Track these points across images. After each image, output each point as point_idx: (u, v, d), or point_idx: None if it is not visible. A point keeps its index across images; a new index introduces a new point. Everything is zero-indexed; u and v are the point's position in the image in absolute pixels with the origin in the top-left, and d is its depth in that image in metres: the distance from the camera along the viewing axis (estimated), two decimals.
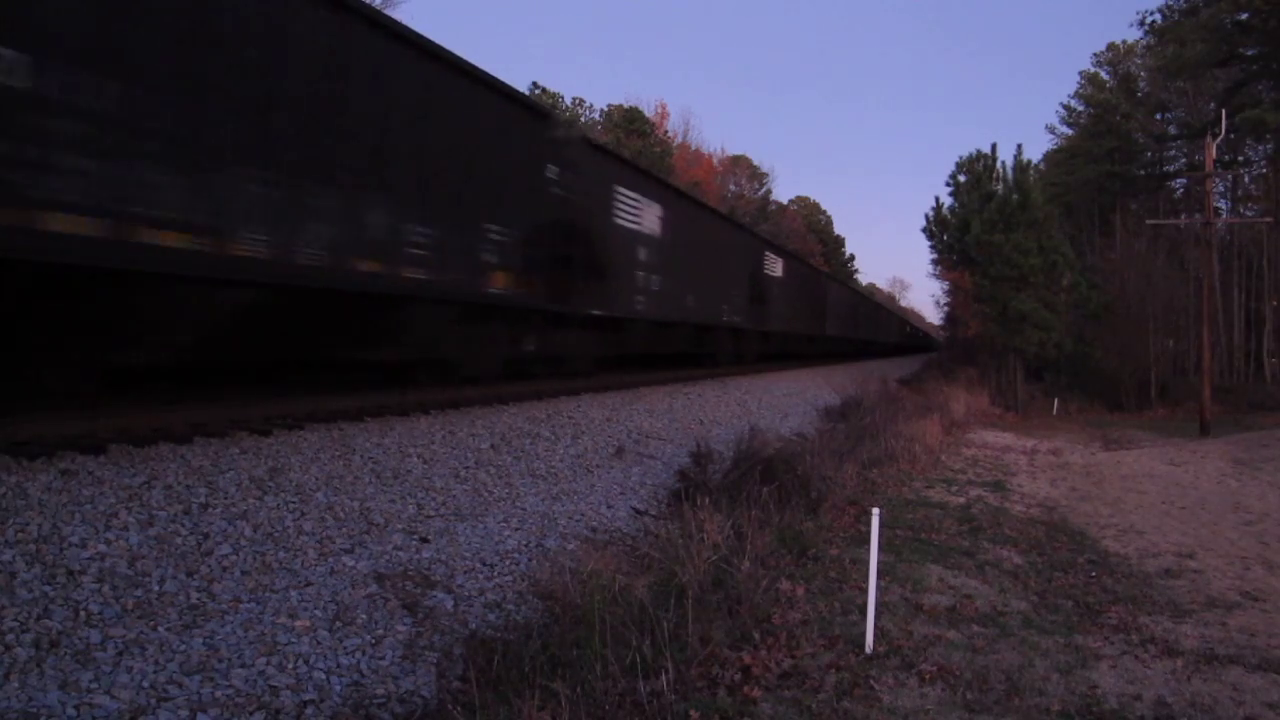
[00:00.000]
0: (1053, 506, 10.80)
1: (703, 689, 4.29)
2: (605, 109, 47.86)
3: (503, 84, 9.99)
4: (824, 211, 77.80)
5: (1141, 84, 45.19)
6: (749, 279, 22.47)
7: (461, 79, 9.49)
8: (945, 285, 52.04)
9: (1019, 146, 34.69)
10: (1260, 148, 37.82)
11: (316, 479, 6.34)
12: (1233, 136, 33.50)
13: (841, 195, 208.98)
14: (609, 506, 8.25)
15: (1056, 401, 28.80)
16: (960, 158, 30.84)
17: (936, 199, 31.08)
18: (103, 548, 4.55)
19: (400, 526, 6.16)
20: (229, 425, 6.89)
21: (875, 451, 12.64)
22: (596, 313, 13.29)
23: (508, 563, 6.16)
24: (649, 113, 48.76)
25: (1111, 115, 43.17)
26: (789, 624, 5.26)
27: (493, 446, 8.62)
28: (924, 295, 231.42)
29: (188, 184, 6.15)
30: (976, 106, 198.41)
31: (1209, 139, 23.30)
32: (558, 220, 11.73)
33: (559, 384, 12.73)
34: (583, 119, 45.36)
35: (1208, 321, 24.10)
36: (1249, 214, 38.63)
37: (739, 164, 61.68)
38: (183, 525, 5.05)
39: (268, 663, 4.17)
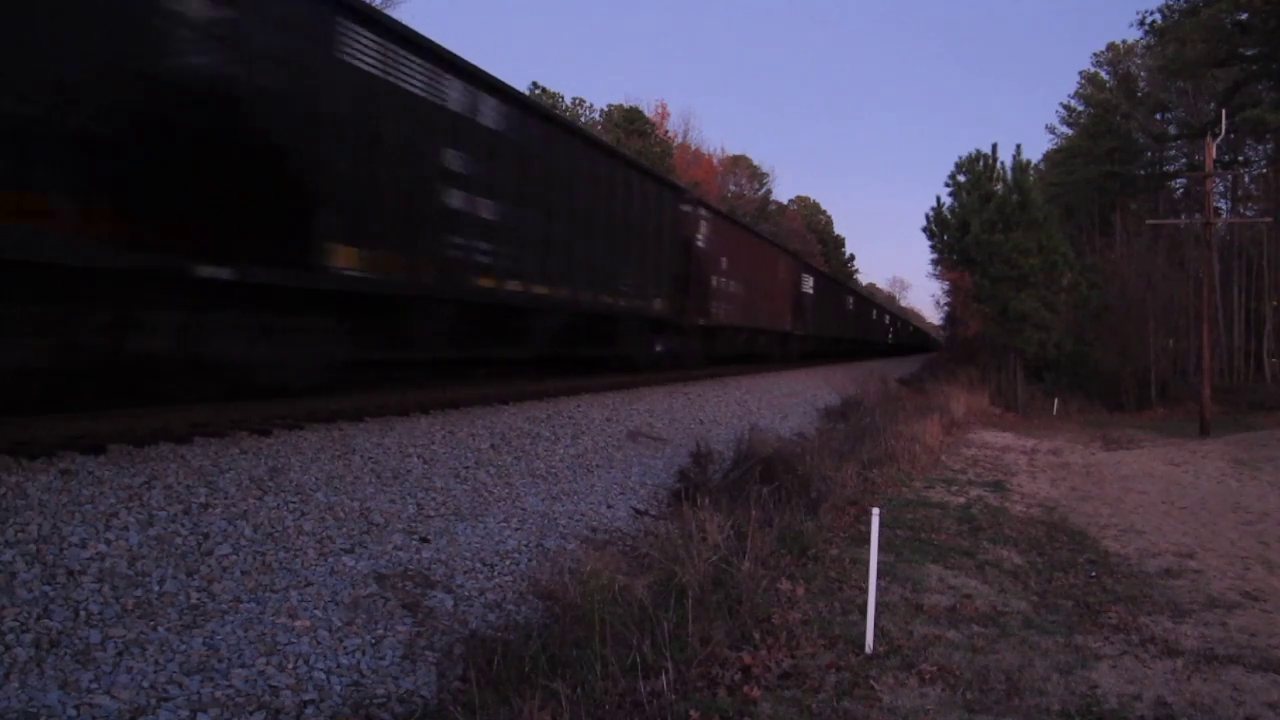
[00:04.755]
0: (1053, 506, 10.80)
1: (703, 689, 4.29)
2: (605, 109, 47.93)
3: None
4: (824, 211, 77.87)
5: (1141, 84, 45.17)
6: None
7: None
8: (945, 285, 51.97)
9: (1018, 146, 34.62)
10: (1260, 148, 37.81)
11: (316, 479, 6.34)
12: (1233, 136, 33.47)
13: (841, 195, 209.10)
14: (609, 506, 8.25)
15: (1056, 401, 28.79)
16: (960, 157, 30.88)
17: (936, 199, 31.10)
18: (103, 548, 4.55)
19: (400, 526, 6.16)
20: (229, 425, 6.89)
21: (875, 451, 12.64)
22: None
23: (508, 563, 6.16)
24: (649, 113, 48.89)
25: (1111, 115, 43.15)
26: (789, 624, 5.26)
27: (493, 446, 8.62)
28: (924, 295, 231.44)
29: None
30: (976, 106, 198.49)
31: (1209, 139, 23.27)
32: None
33: (559, 384, 12.75)
34: (583, 119, 45.38)
35: (1208, 321, 24.09)
36: (1249, 214, 38.62)
37: (739, 164, 61.71)
38: (183, 525, 5.05)
39: (268, 663, 4.17)
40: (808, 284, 31.53)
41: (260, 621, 4.46)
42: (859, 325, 46.49)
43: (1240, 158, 38.69)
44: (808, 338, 31.77)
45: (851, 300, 44.89)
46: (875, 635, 5.00)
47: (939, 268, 45.54)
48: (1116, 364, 31.04)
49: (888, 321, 64.75)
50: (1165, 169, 43.29)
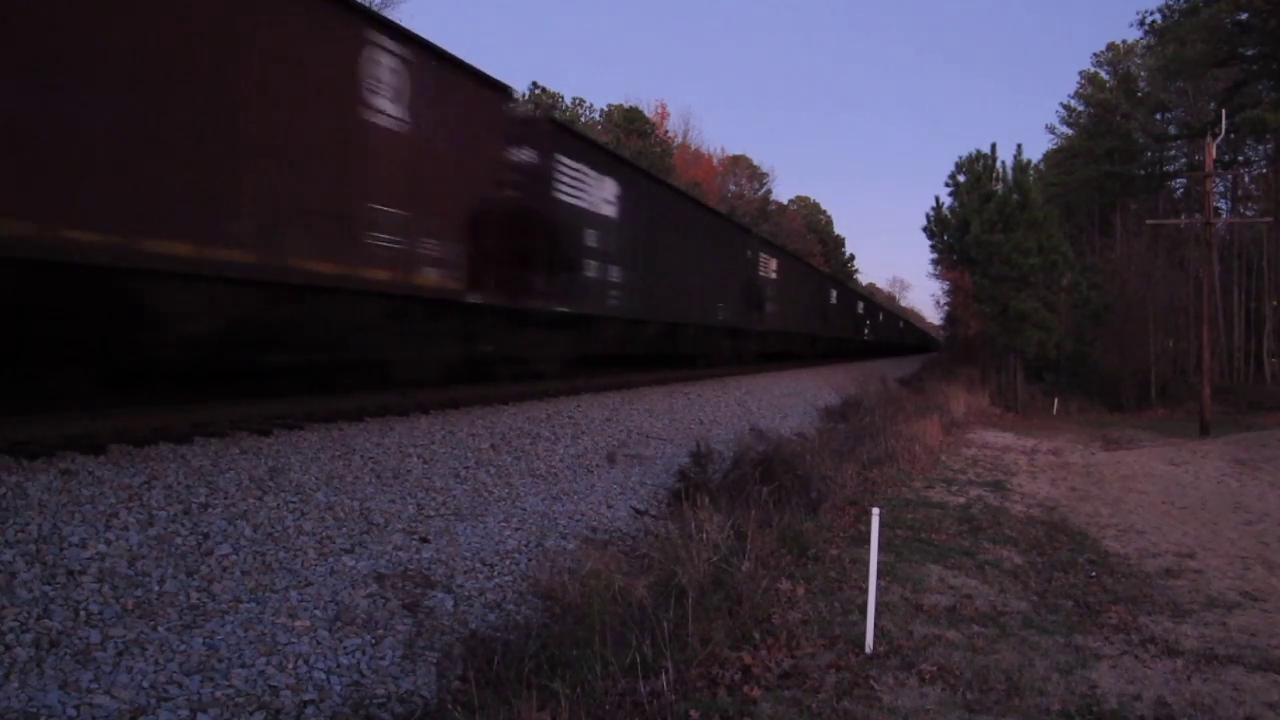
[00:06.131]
0: (1053, 506, 10.80)
1: (703, 689, 4.29)
2: (605, 109, 47.90)
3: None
4: (824, 211, 77.82)
5: (1141, 84, 45.18)
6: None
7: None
8: (945, 285, 51.87)
9: (1019, 146, 34.74)
10: (1260, 148, 37.81)
11: (316, 479, 6.34)
12: (1233, 136, 33.45)
13: (841, 195, 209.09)
14: (609, 506, 8.25)
15: (1056, 401, 28.81)
16: (960, 157, 30.88)
17: (936, 199, 31.12)
18: (103, 548, 4.55)
19: (400, 526, 6.16)
20: (229, 425, 6.89)
21: (875, 451, 12.64)
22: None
23: (508, 563, 6.16)
24: (649, 113, 48.85)
25: (1111, 115, 43.16)
26: (789, 624, 5.26)
27: (493, 446, 8.62)
28: (924, 295, 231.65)
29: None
30: (977, 106, 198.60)
31: (1209, 139, 23.28)
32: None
33: (559, 384, 12.74)
34: (583, 119, 45.37)
35: (1208, 321, 24.09)
36: (1249, 214, 38.63)
37: (739, 164, 61.71)
38: (183, 525, 5.05)
39: (268, 663, 4.17)
40: (610, 201, 13.52)
41: (260, 621, 4.46)
42: (803, 313, 29.96)
43: (1240, 158, 38.71)
44: (616, 327, 14.53)
45: (774, 266, 25.55)
46: (875, 635, 5.00)
47: (939, 268, 45.44)
48: (1116, 364, 31.07)
49: (862, 311, 46.47)
50: (1165, 169, 43.30)
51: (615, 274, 13.84)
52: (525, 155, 11.08)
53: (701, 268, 18.87)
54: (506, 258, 10.51)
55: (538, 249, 11.46)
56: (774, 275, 25.53)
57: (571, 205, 12.32)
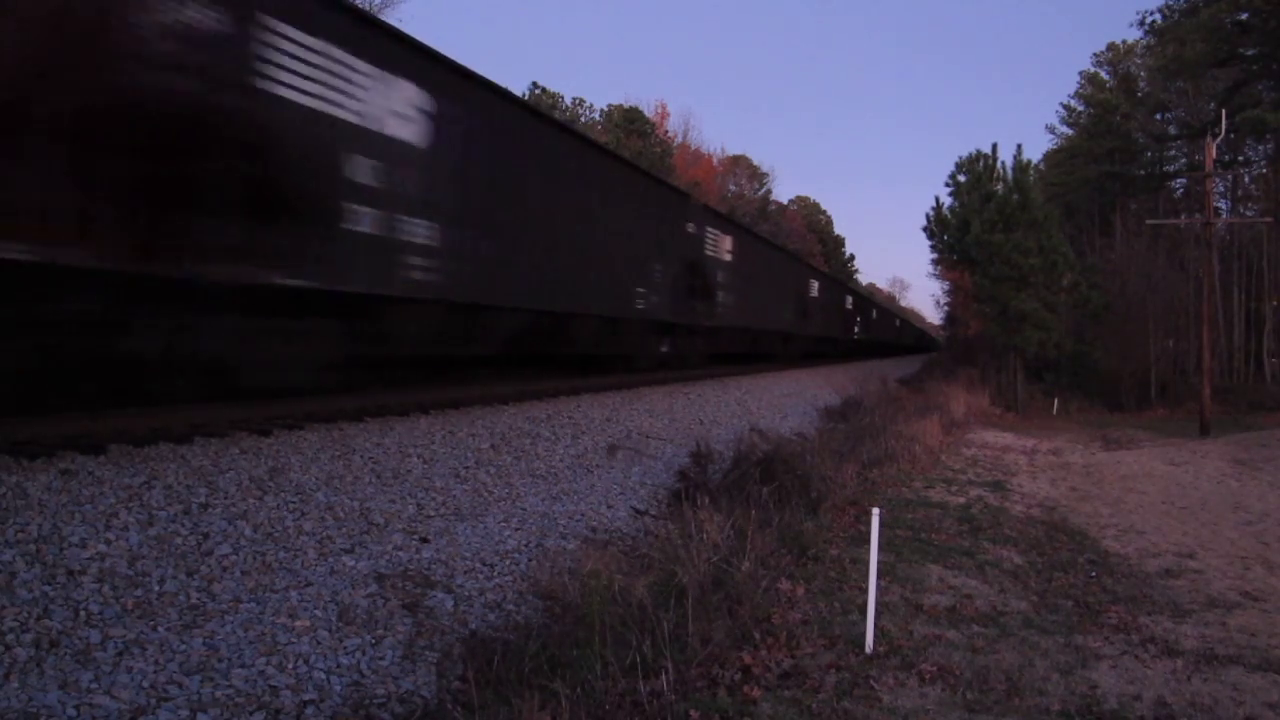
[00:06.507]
0: (1053, 506, 10.79)
1: (703, 689, 4.29)
2: (605, 109, 47.90)
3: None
4: (824, 211, 77.92)
5: (1141, 84, 45.18)
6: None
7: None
8: (945, 285, 51.79)
9: (1019, 146, 34.69)
10: (1260, 148, 37.78)
11: (316, 479, 6.34)
12: (1233, 136, 33.44)
13: (841, 195, 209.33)
14: (609, 506, 8.25)
15: (1056, 401, 28.80)
16: (960, 157, 30.84)
17: (937, 199, 31.05)
18: (103, 548, 4.55)
19: (400, 526, 6.16)
20: (229, 425, 6.89)
21: (875, 451, 12.64)
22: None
23: (508, 563, 6.16)
24: (649, 113, 48.86)
25: (1111, 115, 43.15)
26: (789, 624, 5.26)
27: (493, 446, 8.62)
28: (924, 295, 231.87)
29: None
30: (977, 106, 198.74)
31: (1209, 139, 23.28)
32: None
33: (559, 383, 12.75)
34: (582, 119, 45.37)
35: (1208, 321, 24.07)
36: (1249, 214, 38.62)
37: (739, 164, 61.73)
38: (183, 525, 5.05)
39: (268, 663, 4.17)
40: (408, 116, 8.48)
41: (260, 621, 4.46)
42: (773, 306, 25.60)
43: (1240, 158, 38.69)
44: (431, 315, 9.53)
45: (729, 245, 20.56)
46: (875, 635, 5.00)
47: (939, 268, 45.35)
48: (1116, 364, 31.06)
49: (851, 306, 41.06)
50: (1165, 169, 43.27)
51: (422, 232, 8.85)
52: (188, 11, 6.13)
53: (610, 239, 13.59)
54: (134, 185, 5.88)
55: (223, 175, 6.59)
56: (728, 257, 20.06)
57: (312, 111, 7.32)
